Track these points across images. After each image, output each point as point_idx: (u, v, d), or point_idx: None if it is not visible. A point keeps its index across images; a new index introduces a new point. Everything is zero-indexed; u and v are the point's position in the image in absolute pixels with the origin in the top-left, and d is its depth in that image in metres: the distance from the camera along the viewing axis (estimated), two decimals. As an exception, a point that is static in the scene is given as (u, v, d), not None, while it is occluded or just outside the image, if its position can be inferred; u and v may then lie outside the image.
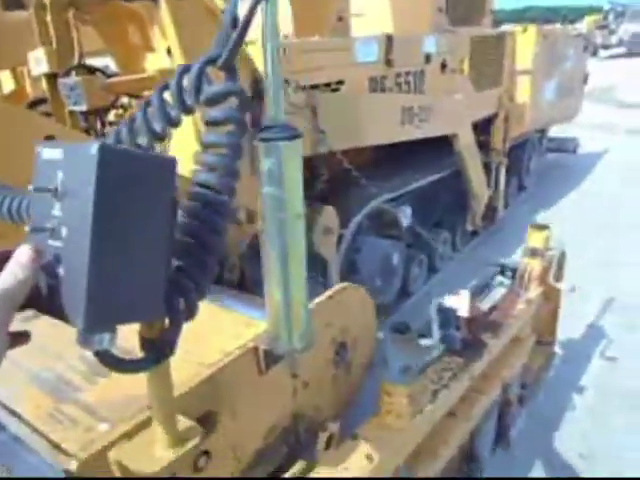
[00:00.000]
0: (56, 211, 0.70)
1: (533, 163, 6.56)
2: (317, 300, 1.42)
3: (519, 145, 5.70)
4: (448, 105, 4.06)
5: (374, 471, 1.36)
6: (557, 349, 3.08)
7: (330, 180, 3.13)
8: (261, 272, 1.07)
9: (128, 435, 0.97)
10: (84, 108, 2.20)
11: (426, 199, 4.16)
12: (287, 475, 1.30)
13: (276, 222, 1.08)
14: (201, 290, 0.86)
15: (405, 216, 3.82)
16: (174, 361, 1.24)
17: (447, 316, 1.72)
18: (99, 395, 1.13)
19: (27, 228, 0.71)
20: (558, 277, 2.46)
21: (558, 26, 7.92)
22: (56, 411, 1.08)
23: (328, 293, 1.46)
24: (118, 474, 0.94)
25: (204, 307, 1.51)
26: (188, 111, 0.90)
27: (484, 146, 4.85)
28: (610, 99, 12.37)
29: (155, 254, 0.74)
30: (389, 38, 3.39)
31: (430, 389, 1.63)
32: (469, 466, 2.24)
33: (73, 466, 0.91)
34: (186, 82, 0.89)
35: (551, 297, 2.52)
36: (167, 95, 0.91)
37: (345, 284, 1.52)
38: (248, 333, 1.30)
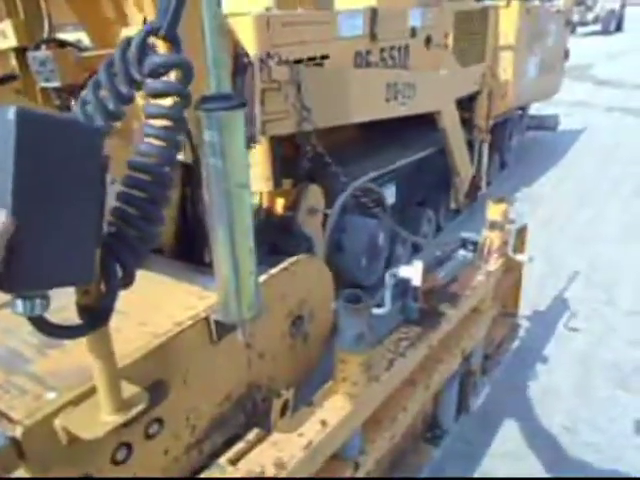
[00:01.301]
0: None
1: (515, 141, 6.61)
2: (271, 272, 1.45)
3: (501, 123, 5.72)
4: (433, 81, 4.02)
5: (329, 436, 1.40)
6: (522, 321, 3.18)
7: (314, 159, 3.09)
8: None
9: (74, 402, 0.99)
10: (57, 84, 2.06)
11: (410, 178, 4.16)
12: (243, 443, 1.34)
13: (220, 193, 1.09)
14: (139, 258, 0.87)
15: (389, 195, 3.84)
16: (126, 331, 1.26)
17: (405, 287, 1.76)
18: (50, 366, 1.15)
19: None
20: (520, 250, 2.53)
21: (536, 2, 7.94)
22: (5, 382, 1.09)
23: (282, 265, 1.49)
24: (64, 440, 0.97)
25: (157, 279, 1.53)
26: (138, 86, 0.90)
27: (467, 123, 4.83)
28: (588, 76, 12.49)
29: (84, 219, 0.75)
30: (374, 11, 3.31)
31: (387, 357, 1.68)
32: (432, 432, 2.32)
33: (18, 433, 0.92)
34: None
35: (513, 269, 2.59)
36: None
37: (300, 255, 1.54)
38: (201, 304, 1.32)
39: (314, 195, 3.04)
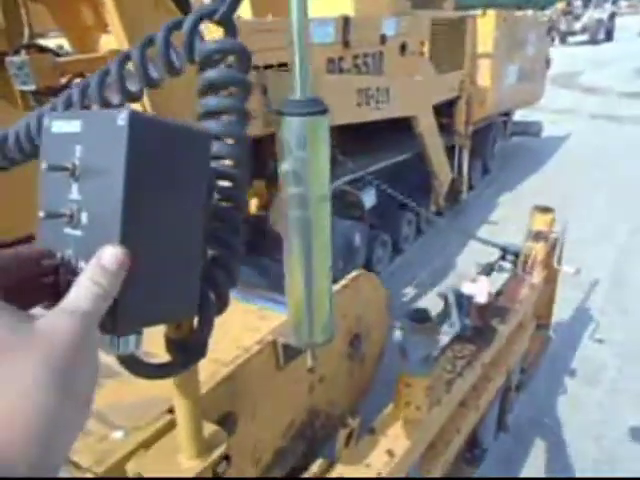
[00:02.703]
0: (74, 194, 0.59)
1: (498, 146, 6.62)
2: (333, 288, 1.34)
3: (483, 128, 5.74)
4: (407, 87, 4.04)
5: (397, 466, 1.30)
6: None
7: None
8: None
9: (146, 444, 0.88)
10: (32, 87, 2.12)
11: (390, 180, 4.18)
12: (307, 474, 1.23)
13: (299, 205, 0.99)
14: (233, 279, 0.76)
15: (368, 198, 3.83)
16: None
17: (459, 303, 1.67)
18: (109, 400, 1.03)
19: (40, 214, 0.60)
20: (559, 260, 2.44)
21: (530, 12, 8.00)
22: (61, 419, 0.98)
23: (343, 282, 1.38)
24: (138, 488, 0.85)
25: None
26: (175, 72, 0.80)
27: (447, 129, 4.87)
28: (576, 84, 12.64)
29: (192, 242, 0.64)
30: (346, 20, 3.38)
31: (445, 378, 1.58)
32: (472, 452, 2.22)
33: (88, 481, 0.81)
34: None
35: (550, 280, 2.51)
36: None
37: (358, 272, 1.44)
38: (263, 325, 1.21)
39: None
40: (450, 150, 4.96)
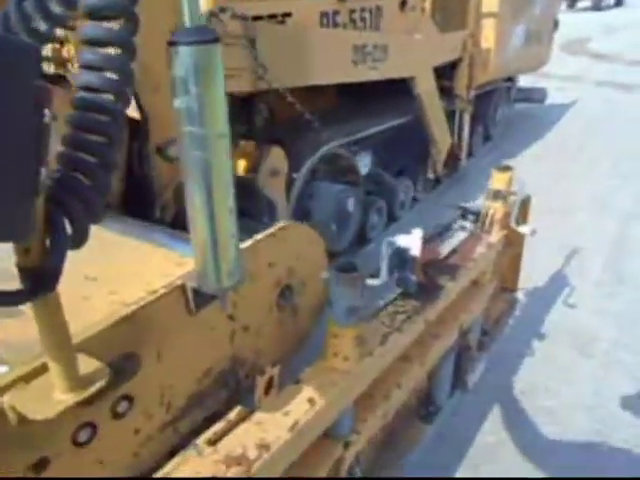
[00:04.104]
0: None
1: (500, 113, 6.42)
2: (256, 237, 1.32)
3: (486, 94, 5.55)
4: (406, 46, 3.86)
5: (317, 415, 1.30)
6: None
7: (284, 122, 3.05)
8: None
9: (25, 379, 0.87)
10: None
11: (387, 145, 4.05)
12: (224, 421, 1.24)
13: (195, 144, 0.95)
14: (92, 211, 0.74)
15: (364, 163, 3.75)
16: (94, 299, 1.14)
17: (403, 257, 1.64)
18: (3, 336, 1.02)
19: None
20: (521, 221, 2.41)
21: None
22: (-49, 355, 0.97)
23: (269, 231, 1.36)
24: (14, 421, 0.85)
25: (132, 244, 1.40)
26: (58, 22, 0.74)
27: (447, 93, 4.68)
28: (584, 51, 12.31)
29: (16, 160, 0.61)
30: None
31: (381, 332, 1.57)
32: (427, 409, 2.24)
33: (-42, 412, 0.81)
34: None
35: (514, 243, 2.47)
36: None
37: (288, 222, 1.41)
38: (178, 271, 1.19)
39: (276, 157, 2.93)
40: (450, 115, 4.78)
